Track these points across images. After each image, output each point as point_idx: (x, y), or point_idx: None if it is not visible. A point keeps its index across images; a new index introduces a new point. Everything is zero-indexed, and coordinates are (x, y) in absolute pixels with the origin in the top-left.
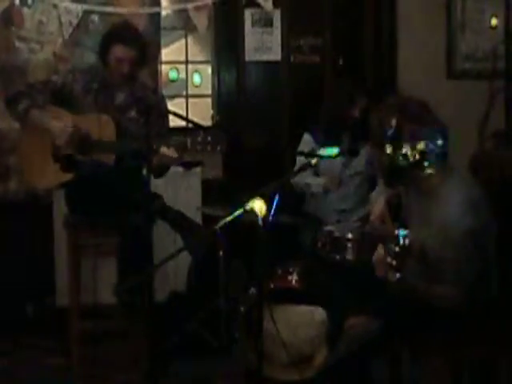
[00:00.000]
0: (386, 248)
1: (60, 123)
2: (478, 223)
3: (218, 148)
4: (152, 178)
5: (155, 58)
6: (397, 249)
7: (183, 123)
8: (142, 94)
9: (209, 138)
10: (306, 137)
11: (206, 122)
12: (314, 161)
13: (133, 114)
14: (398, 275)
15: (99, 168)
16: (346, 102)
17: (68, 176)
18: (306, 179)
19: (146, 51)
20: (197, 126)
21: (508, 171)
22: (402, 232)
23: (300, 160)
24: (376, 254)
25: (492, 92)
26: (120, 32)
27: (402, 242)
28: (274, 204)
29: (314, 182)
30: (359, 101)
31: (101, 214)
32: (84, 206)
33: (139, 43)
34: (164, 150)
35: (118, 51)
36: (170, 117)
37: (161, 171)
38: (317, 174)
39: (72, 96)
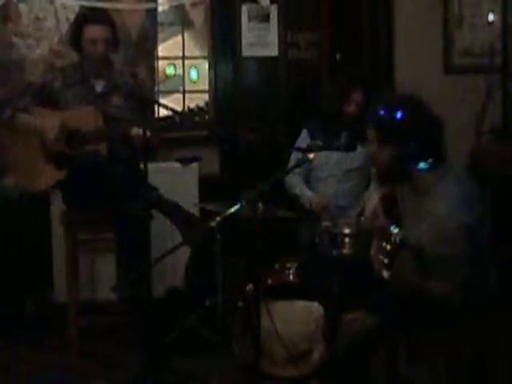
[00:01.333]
0: (378, 245)
1: (46, 121)
2: (473, 218)
3: (207, 117)
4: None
5: (152, 54)
6: (388, 247)
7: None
8: (121, 81)
9: (196, 111)
10: (304, 133)
11: None
12: (311, 156)
13: (115, 100)
14: (389, 273)
15: (93, 159)
16: (340, 98)
17: (61, 174)
18: (297, 189)
19: (117, 31)
20: (182, 114)
21: (505, 166)
22: (393, 230)
23: (295, 156)
24: (372, 248)
25: (489, 87)
26: (88, 13)
27: (392, 240)
28: None
29: (304, 196)
30: (354, 96)
31: (98, 208)
32: (81, 198)
33: (109, 22)
34: (136, 131)
35: (91, 31)
36: (164, 111)
37: (144, 154)
38: (308, 183)
39: (53, 94)
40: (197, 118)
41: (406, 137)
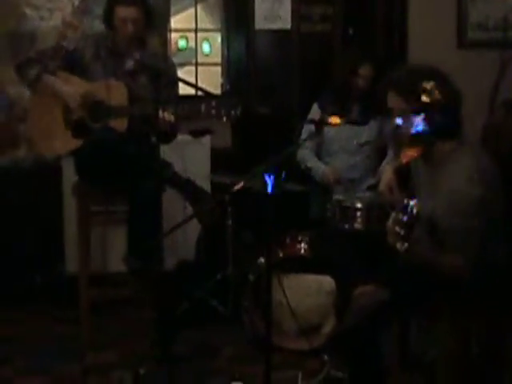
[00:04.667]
0: (395, 217)
1: (72, 87)
2: (486, 193)
3: (232, 113)
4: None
5: (164, 27)
6: (405, 218)
7: (193, 91)
8: (152, 61)
9: (222, 105)
10: (315, 106)
11: (216, 90)
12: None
13: (143, 79)
14: (405, 245)
15: (110, 134)
16: (350, 72)
17: (77, 143)
18: (308, 162)
19: (152, 12)
20: (207, 94)
21: None
22: (410, 202)
23: (307, 129)
24: (389, 220)
25: (503, 61)
26: None
27: (409, 211)
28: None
29: (316, 169)
30: (363, 70)
31: (111, 181)
32: (94, 172)
33: (142, 3)
34: (162, 114)
35: (121, 12)
36: (181, 85)
37: (165, 137)
38: (319, 157)
39: (83, 62)
40: (223, 106)
41: (436, 107)
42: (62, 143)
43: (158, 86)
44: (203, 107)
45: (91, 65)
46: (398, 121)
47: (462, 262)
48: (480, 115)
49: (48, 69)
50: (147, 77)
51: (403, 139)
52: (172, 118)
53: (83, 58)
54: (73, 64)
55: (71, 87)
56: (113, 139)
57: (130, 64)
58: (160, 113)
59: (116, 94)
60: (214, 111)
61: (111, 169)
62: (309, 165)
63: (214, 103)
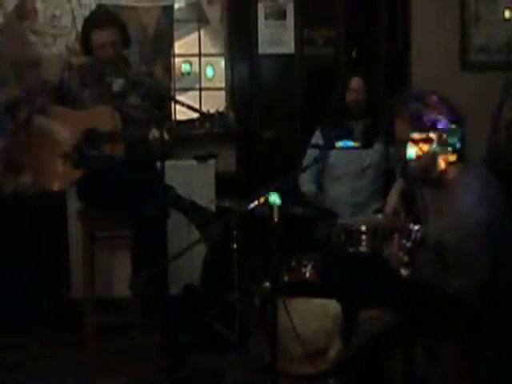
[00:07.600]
0: (399, 242)
1: (63, 121)
2: (493, 215)
3: (227, 122)
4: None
5: (168, 51)
6: (408, 245)
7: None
8: (138, 80)
9: (216, 116)
10: (318, 132)
11: None
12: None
13: (132, 100)
14: (409, 271)
15: (110, 161)
16: (342, 87)
17: (78, 173)
18: (303, 186)
19: (126, 30)
20: (202, 115)
21: None
22: (413, 227)
23: (311, 154)
24: (390, 246)
25: (506, 84)
26: (95, 18)
27: (413, 237)
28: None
29: (308, 193)
30: (353, 83)
31: (113, 208)
32: (97, 200)
33: (115, 23)
34: (155, 132)
35: (97, 36)
36: (182, 109)
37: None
38: (322, 182)
39: (71, 93)
40: (216, 123)
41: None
42: (63, 177)
43: (148, 104)
44: (197, 121)
45: (79, 94)
46: (411, 155)
47: (470, 285)
48: (482, 137)
49: (37, 107)
50: (136, 96)
51: (415, 171)
52: (166, 135)
53: (70, 88)
54: (62, 96)
55: (61, 122)
56: (114, 166)
57: (117, 86)
58: (151, 133)
59: (107, 118)
60: (208, 124)
61: (112, 196)
62: (303, 190)
63: (208, 116)
